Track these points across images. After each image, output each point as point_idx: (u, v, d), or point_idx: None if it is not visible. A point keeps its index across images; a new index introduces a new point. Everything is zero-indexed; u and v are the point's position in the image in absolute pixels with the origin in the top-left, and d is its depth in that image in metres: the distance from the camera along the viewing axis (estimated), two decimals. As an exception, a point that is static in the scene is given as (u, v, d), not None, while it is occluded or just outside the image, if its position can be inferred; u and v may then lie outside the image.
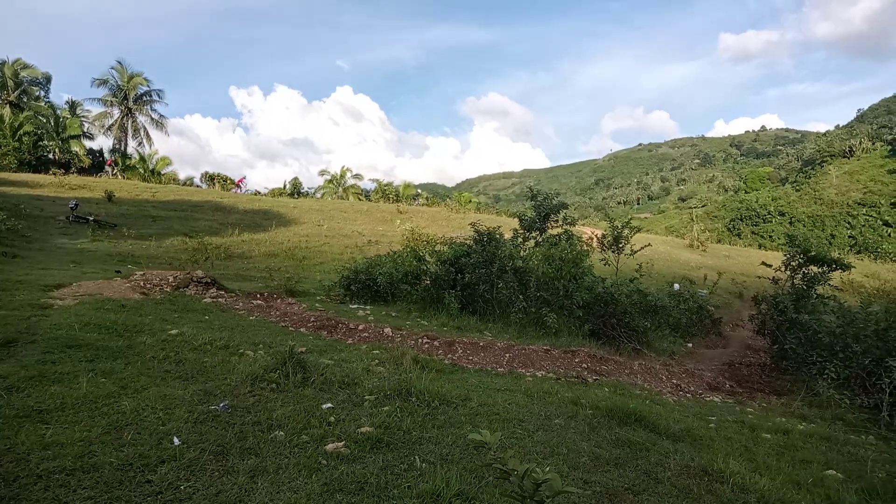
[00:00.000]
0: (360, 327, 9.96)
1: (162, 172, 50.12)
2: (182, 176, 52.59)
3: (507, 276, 13.27)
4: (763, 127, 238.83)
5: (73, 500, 3.05)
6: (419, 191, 55.15)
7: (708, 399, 9.14)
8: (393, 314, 11.95)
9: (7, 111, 45.63)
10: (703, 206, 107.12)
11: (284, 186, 51.12)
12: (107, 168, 45.65)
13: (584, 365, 9.66)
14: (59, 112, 50.44)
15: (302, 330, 9.54)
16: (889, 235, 68.76)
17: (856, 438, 7.12)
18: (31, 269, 11.92)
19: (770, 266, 14.11)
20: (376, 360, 7.24)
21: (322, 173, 56.96)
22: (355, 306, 12.51)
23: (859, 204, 75.29)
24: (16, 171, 35.78)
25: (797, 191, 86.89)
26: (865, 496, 4.84)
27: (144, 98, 53.21)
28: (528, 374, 8.46)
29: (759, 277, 15.15)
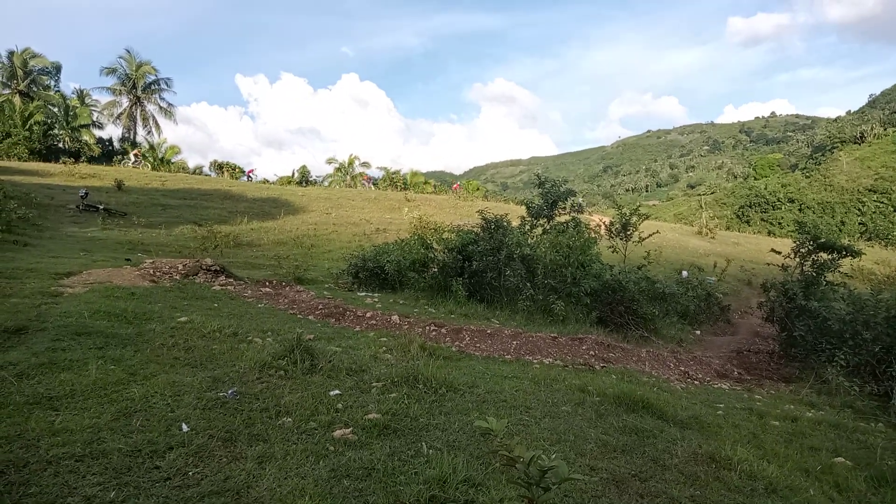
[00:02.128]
0: (368, 315, 9.98)
1: (171, 161, 50.26)
2: (191, 164, 52.79)
3: (515, 264, 13.25)
4: (773, 113, 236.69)
5: (82, 486, 3.07)
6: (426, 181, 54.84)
7: (716, 386, 9.12)
8: (401, 302, 11.97)
9: (17, 100, 45.86)
10: (712, 193, 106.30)
11: (292, 175, 51.18)
12: None
13: (592, 352, 9.65)
14: (68, 101, 50.59)
15: (310, 317, 9.57)
16: (900, 222, 68.09)
17: (865, 426, 7.08)
18: (42, 258, 12.00)
19: (779, 253, 14.01)
20: (384, 348, 7.26)
21: (330, 161, 56.95)
22: (363, 294, 12.54)
23: (870, 190, 74.57)
24: (26, 160, 35.96)
25: (807, 177, 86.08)
26: (874, 484, 4.82)
27: (153, 87, 53.40)
28: (535, 361, 8.46)
29: (768, 264, 15.07)
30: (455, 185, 52.11)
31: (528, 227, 17.90)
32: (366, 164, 56.15)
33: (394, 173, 54.91)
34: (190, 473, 3.33)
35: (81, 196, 22.11)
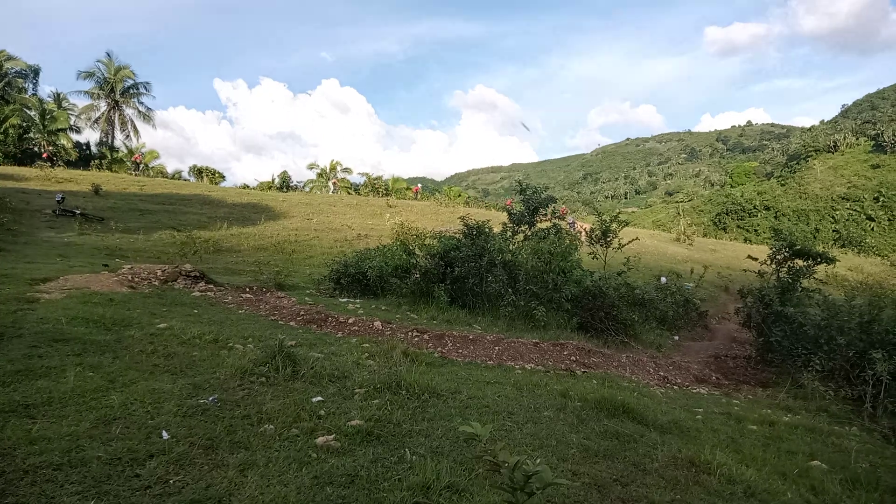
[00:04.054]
0: (350, 321, 9.95)
1: (150, 166, 49.68)
2: (170, 169, 52.23)
3: (497, 270, 13.29)
4: (749, 122, 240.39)
5: (60, 495, 3.03)
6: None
7: (695, 391, 9.23)
8: (383, 308, 11.94)
9: (-9, 103, 45.05)
10: (689, 201, 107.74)
11: (273, 180, 50.84)
12: None
13: (573, 357, 9.71)
14: (45, 105, 49.78)
15: (292, 324, 9.52)
16: (872, 229, 69.62)
17: (840, 429, 7.22)
18: (17, 263, 11.79)
19: (756, 259, 14.22)
20: (366, 354, 7.25)
21: (311, 167, 56.78)
22: (345, 300, 12.49)
23: (843, 198, 76.13)
24: (1, 165, 35.34)
25: (782, 185, 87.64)
26: (849, 486, 4.92)
27: (131, 91, 52.70)
28: (517, 366, 8.50)
29: (745, 271, 15.25)
30: (563, 209, 48.26)
31: (509, 233, 17.98)
32: (347, 170, 56.11)
33: (375, 179, 54.87)
34: (171, 481, 3.30)
35: (58, 201, 21.80)
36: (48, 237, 17.67)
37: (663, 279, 19.62)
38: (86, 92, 50.90)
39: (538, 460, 2.47)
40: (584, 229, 21.14)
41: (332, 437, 4.16)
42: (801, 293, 13.05)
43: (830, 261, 13.60)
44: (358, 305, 11.76)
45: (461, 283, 13.27)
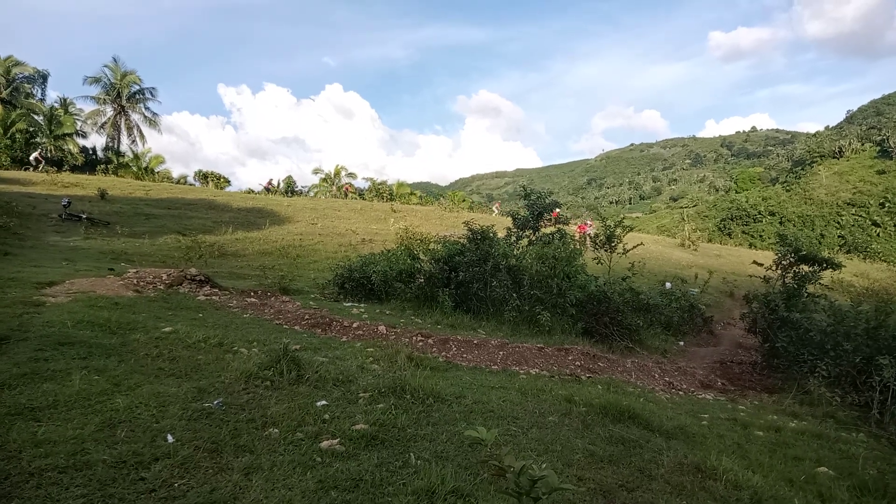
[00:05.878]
0: (355, 325, 9.95)
1: (155, 170, 49.92)
2: (175, 174, 52.48)
3: (501, 275, 13.28)
4: (753, 127, 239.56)
5: (65, 498, 3.03)
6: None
7: (700, 397, 9.19)
8: (387, 312, 11.94)
9: (-1, 109, 45.41)
10: (694, 206, 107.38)
11: (278, 185, 50.99)
12: None
13: (578, 363, 9.68)
14: (53, 110, 50.12)
15: (296, 328, 9.53)
16: (878, 235, 69.26)
17: (847, 436, 7.16)
18: (24, 267, 11.83)
19: (761, 265, 14.16)
20: (371, 358, 7.25)
21: (316, 172, 56.95)
22: (349, 304, 12.50)
23: (849, 204, 75.77)
24: (7, 169, 35.55)
25: (787, 191, 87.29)
26: (857, 493, 4.88)
27: (137, 96, 53.06)
28: (521, 371, 8.49)
29: (751, 276, 15.21)
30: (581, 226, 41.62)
31: (513, 238, 17.96)
32: (352, 175, 56.23)
33: (380, 184, 54.99)
34: (176, 485, 3.30)
35: (64, 205, 21.86)
36: (54, 241, 17.74)
37: (668, 284, 19.57)
38: (92, 97, 51.41)
39: (543, 465, 2.46)
40: (590, 233, 21.09)
41: (337, 441, 4.16)
42: (807, 299, 12.98)
43: (836, 266, 13.53)
44: (362, 310, 11.76)
45: (465, 287, 13.27)
